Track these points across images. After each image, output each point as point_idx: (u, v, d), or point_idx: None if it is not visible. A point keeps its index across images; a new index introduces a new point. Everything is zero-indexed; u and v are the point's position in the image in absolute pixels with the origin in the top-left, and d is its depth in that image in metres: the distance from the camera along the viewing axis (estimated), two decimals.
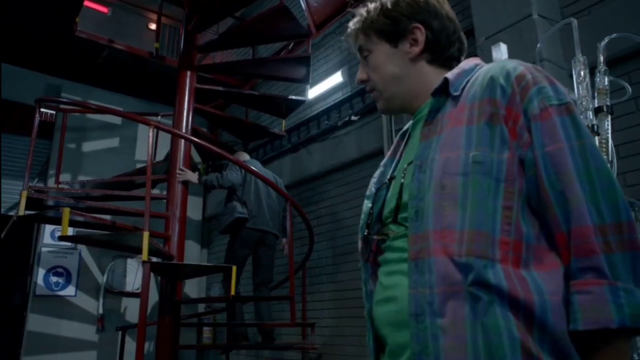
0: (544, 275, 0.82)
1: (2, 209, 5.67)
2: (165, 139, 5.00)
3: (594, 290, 0.77)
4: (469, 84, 0.96)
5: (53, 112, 5.86)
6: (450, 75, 0.98)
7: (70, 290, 5.52)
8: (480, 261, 0.82)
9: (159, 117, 5.69)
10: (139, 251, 3.15)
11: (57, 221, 3.35)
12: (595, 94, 1.83)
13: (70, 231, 4.34)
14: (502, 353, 0.78)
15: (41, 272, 5.40)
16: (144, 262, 3.10)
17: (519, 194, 0.86)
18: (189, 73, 4.67)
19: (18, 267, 6.00)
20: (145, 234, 3.13)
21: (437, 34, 1.03)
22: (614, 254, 0.77)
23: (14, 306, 6.01)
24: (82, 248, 5.65)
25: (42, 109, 5.64)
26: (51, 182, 5.52)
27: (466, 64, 1.02)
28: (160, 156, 5.53)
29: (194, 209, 6.71)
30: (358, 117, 4.65)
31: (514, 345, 0.78)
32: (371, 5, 1.08)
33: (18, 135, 5.81)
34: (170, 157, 4.42)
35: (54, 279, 5.45)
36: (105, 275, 5.74)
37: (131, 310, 5.80)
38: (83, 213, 3.48)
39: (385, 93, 1.08)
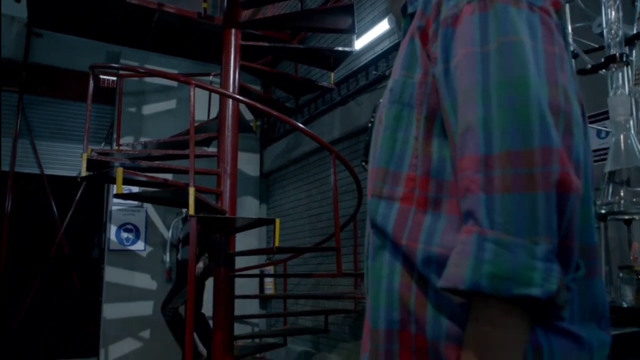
0: (453, 219, 0.66)
1: (73, 173, 6.10)
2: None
3: (464, 241, 0.59)
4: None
5: (114, 78, 6.13)
6: None
7: (139, 245, 5.92)
8: (375, 200, 0.74)
9: (211, 76, 5.81)
10: (184, 206, 3.30)
11: (113, 180, 3.56)
12: (636, 19, 1.65)
13: (136, 190, 4.65)
14: (377, 303, 0.71)
15: (113, 229, 5.82)
16: (191, 217, 3.25)
17: (430, 120, 0.71)
18: (233, 31, 4.69)
19: (94, 225, 6.49)
20: (191, 190, 3.26)
21: None
22: (500, 194, 0.57)
23: (94, 260, 6.54)
24: (147, 206, 6.00)
25: (102, 76, 5.96)
26: (115, 145, 5.85)
27: None
28: (215, 114, 5.67)
29: (251, 166, 6.88)
30: None
31: (391, 297, 0.69)
32: None
33: (83, 102, 6.13)
34: (220, 114, 4.53)
35: (124, 234, 5.86)
36: (170, 231, 6.07)
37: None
38: (136, 172, 3.67)
39: (393, 7, 0.98)
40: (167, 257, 6.02)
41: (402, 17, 0.88)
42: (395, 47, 4.68)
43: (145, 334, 5.81)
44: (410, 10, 0.83)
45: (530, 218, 0.56)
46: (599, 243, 0.75)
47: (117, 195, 3.47)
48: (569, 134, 0.60)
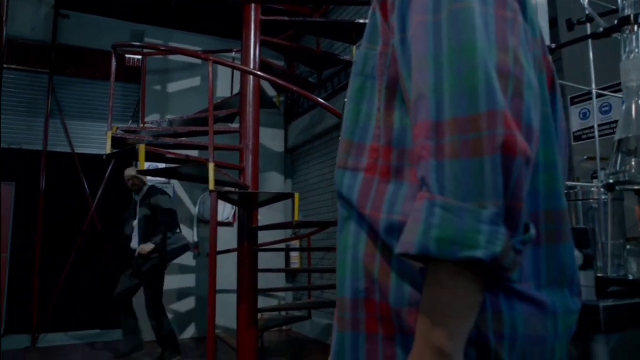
0: (414, 187, 0.66)
1: (102, 151, 6.26)
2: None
3: (417, 207, 0.59)
4: None
5: (139, 57, 6.20)
6: None
7: None
8: (340, 172, 0.76)
9: (234, 53, 5.81)
10: (206, 182, 3.36)
11: (137, 157, 3.64)
12: None
13: (162, 167, 4.75)
14: (343, 273, 0.72)
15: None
16: (211, 192, 3.31)
17: (391, 91, 0.71)
18: (253, 6, 4.67)
19: (124, 201, 6.67)
20: (211, 165, 3.31)
21: None
22: (449, 159, 0.57)
23: (125, 235, 6.74)
24: (175, 183, 6.12)
25: (128, 55, 6.03)
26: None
27: None
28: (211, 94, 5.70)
29: (276, 141, 6.91)
30: None
31: (357, 266, 0.71)
32: None
33: (109, 82, 6.24)
34: (241, 91, 4.55)
35: None
36: (197, 207, 6.21)
37: (223, 238, 6.25)
38: (159, 149, 3.74)
39: None
40: (195, 232, 6.16)
41: None
42: None
43: (175, 306, 5.99)
44: None
45: (477, 183, 0.56)
46: (567, 208, 0.73)
47: (140, 172, 3.56)
48: (519, 97, 0.59)
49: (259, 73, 4.05)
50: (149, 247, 4.47)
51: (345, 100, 0.81)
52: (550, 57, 0.77)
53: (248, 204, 4.09)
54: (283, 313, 5.76)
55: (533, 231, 0.62)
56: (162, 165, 4.85)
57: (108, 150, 3.79)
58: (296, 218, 3.59)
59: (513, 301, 0.64)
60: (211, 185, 3.28)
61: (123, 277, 4.67)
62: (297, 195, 3.61)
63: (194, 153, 4.99)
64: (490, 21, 0.61)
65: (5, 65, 5.89)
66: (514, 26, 0.63)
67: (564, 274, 0.70)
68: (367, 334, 0.69)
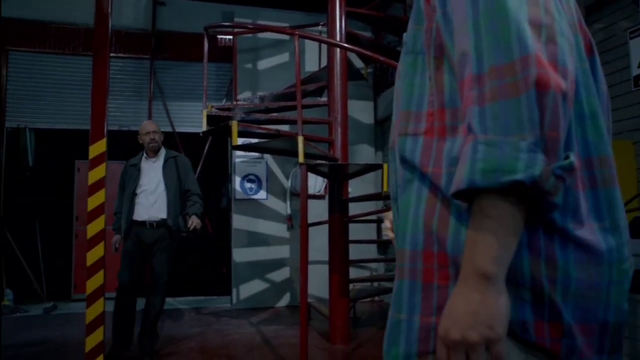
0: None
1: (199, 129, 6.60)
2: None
3: (465, 149, 0.68)
4: None
5: (230, 37, 6.42)
6: None
7: (262, 194, 6.32)
8: (401, 139, 0.84)
9: (320, 26, 5.82)
10: (296, 155, 3.44)
11: (230, 133, 3.80)
12: None
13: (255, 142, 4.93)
14: (405, 227, 0.81)
15: (237, 180, 6.27)
16: (300, 164, 3.38)
17: (438, 59, 0.80)
18: None
19: (221, 177, 7.04)
20: (300, 138, 3.38)
21: None
22: (489, 103, 0.66)
23: (223, 209, 7.14)
24: (267, 157, 6.33)
25: (219, 36, 6.26)
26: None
27: None
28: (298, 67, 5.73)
29: (365, 113, 6.87)
30: None
31: (417, 222, 0.79)
32: None
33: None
34: (328, 64, 4.56)
35: (247, 185, 6.28)
36: (290, 180, 6.39)
37: (314, 210, 6.39)
38: (250, 125, 3.88)
39: None
40: (288, 205, 6.36)
41: None
42: None
43: (271, 275, 6.27)
44: None
45: (515, 118, 0.64)
46: (612, 155, 0.77)
47: (234, 147, 3.72)
48: (552, 42, 0.67)
49: (344, 45, 4.04)
50: (197, 221, 3.91)
51: (396, 78, 0.91)
52: (585, 25, 0.84)
53: (337, 175, 4.14)
54: (375, 284, 5.82)
55: (573, 159, 0.67)
56: (254, 141, 5.04)
57: (204, 127, 3.99)
58: (385, 189, 3.58)
59: (568, 248, 0.70)
60: (300, 158, 3.36)
61: (126, 259, 3.90)
62: (385, 166, 3.59)
63: (285, 128, 5.12)
64: None
65: (112, 54, 6.39)
66: None
67: (614, 217, 0.75)
68: (424, 283, 0.77)
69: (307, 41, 6.59)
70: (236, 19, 6.41)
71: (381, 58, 4.06)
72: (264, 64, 6.56)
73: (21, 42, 6.14)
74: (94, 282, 2.77)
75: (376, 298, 6.40)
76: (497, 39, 0.67)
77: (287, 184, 6.40)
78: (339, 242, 4.30)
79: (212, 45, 6.55)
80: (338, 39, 4.47)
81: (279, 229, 6.34)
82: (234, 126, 3.58)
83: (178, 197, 3.96)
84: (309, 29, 5.75)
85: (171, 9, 6.53)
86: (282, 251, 6.34)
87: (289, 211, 6.33)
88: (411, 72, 0.84)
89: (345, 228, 4.33)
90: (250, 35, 6.18)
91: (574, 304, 0.70)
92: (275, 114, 4.65)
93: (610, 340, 0.73)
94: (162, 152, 4.09)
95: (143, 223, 3.87)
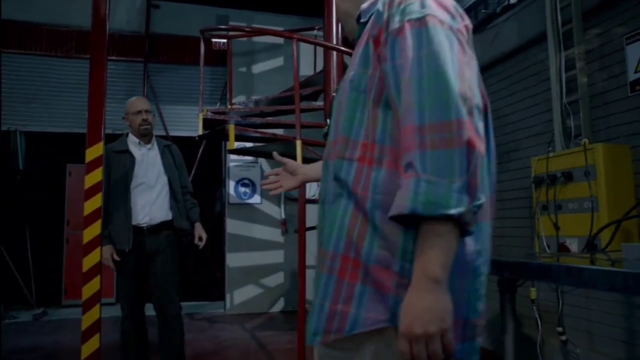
0: (391, 173, 0.95)
1: (193, 133, 6.57)
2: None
3: (404, 183, 0.86)
4: (373, 13, 1.06)
5: (224, 41, 6.39)
6: (364, 4, 1.13)
7: (256, 199, 6.28)
8: (339, 160, 1.01)
9: (315, 30, 5.82)
10: (303, 160, 3.41)
11: (227, 137, 3.77)
12: None
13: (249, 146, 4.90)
14: (331, 232, 1.00)
15: (232, 184, 6.23)
16: None
17: (376, 103, 0.99)
18: None
19: (215, 181, 6.99)
20: (298, 142, 3.36)
21: None
22: (430, 150, 0.84)
23: (217, 213, 7.08)
24: (262, 161, 6.30)
25: (214, 39, 6.23)
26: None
27: None
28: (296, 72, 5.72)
29: None
30: None
31: (341, 230, 0.98)
32: None
33: (198, 65, 6.47)
34: (324, 67, 4.55)
35: (242, 189, 6.24)
36: None
37: (309, 214, 6.36)
38: (247, 128, 3.85)
39: (346, 27, 1.27)
40: (282, 210, 6.33)
41: (357, 24, 1.15)
42: None
43: (265, 281, 6.23)
44: (363, 19, 1.11)
45: (449, 165, 0.83)
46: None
47: (230, 151, 3.69)
48: (471, 115, 0.88)
49: (341, 48, 4.02)
50: (204, 232, 3.36)
51: (335, 103, 1.11)
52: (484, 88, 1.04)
53: None
54: None
55: (484, 199, 0.88)
56: (249, 145, 5.01)
57: (200, 131, 3.95)
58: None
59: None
60: (299, 162, 3.33)
61: (130, 277, 3.11)
62: None
63: (279, 131, 5.09)
64: (455, 60, 0.90)
65: (110, 57, 6.33)
66: (470, 66, 0.93)
67: (488, 243, 1.03)
68: (338, 278, 0.97)
69: (302, 45, 6.59)
70: (231, 23, 6.39)
71: None
72: (258, 68, 6.54)
73: (13, 43, 6.07)
74: (90, 288, 2.71)
75: None
76: (438, 101, 0.86)
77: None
78: None
79: (207, 48, 6.52)
80: (334, 42, 4.46)
81: (273, 234, 6.31)
82: (231, 130, 3.55)
83: (180, 192, 3.27)
84: (304, 32, 5.73)
85: (165, 11, 6.49)
86: (277, 256, 6.30)
87: (283, 216, 6.30)
88: (354, 106, 1.02)
89: None
90: (245, 39, 6.15)
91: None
92: (271, 118, 4.63)
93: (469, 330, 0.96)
94: (153, 138, 3.29)
95: (141, 228, 3.05)
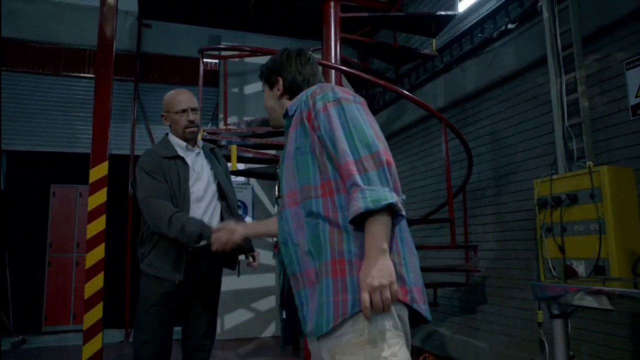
0: (347, 196, 1.34)
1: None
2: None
3: (353, 196, 1.28)
4: (298, 107, 1.53)
5: (216, 61, 6.35)
6: (289, 105, 1.60)
7: (248, 220, 6.16)
8: (308, 201, 1.41)
9: (310, 51, 5.80)
10: None
11: (227, 158, 3.69)
12: None
13: (241, 167, 4.81)
14: (318, 251, 1.36)
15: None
16: None
17: (322, 156, 1.41)
18: (332, 3, 4.64)
19: None
20: None
21: (290, 84, 1.67)
22: (367, 172, 1.29)
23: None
24: (253, 183, 6.21)
25: (206, 60, 6.18)
26: (221, 125, 6.09)
27: (299, 95, 1.59)
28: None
29: None
30: (515, 24, 4.20)
31: (326, 243, 1.35)
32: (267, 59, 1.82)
33: (189, 86, 6.39)
34: None
35: None
36: (276, 207, 6.26)
37: None
38: (248, 149, 3.78)
39: (269, 116, 1.77)
40: None
41: (284, 118, 1.61)
42: (502, 7, 4.39)
43: (257, 304, 6.08)
44: (290, 113, 1.56)
45: (380, 178, 1.29)
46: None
47: (233, 172, 3.60)
48: (385, 146, 1.38)
49: (350, 70, 4.01)
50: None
51: (282, 171, 1.54)
52: None
53: None
54: None
55: (404, 196, 1.42)
56: (241, 166, 4.93)
57: None
58: None
59: (404, 242, 1.39)
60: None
61: (155, 315, 2.43)
62: None
63: (272, 152, 5.02)
64: (364, 119, 1.40)
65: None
66: (374, 121, 1.44)
67: None
68: (333, 278, 1.31)
69: None
70: (223, 43, 6.36)
71: (382, 82, 4.06)
72: (250, 89, 6.50)
73: None
74: (93, 315, 2.56)
75: None
76: (362, 143, 1.33)
77: (274, 210, 6.28)
78: None
79: (197, 69, 6.47)
80: (333, 62, 4.45)
81: (264, 256, 6.18)
82: (234, 151, 3.48)
83: (236, 205, 2.73)
84: None
85: (157, 31, 6.43)
86: (268, 279, 6.17)
87: (275, 238, 6.19)
88: (305, 163, 1.43)
89: None
90: (237, 59, 6.12)
91: (412, 275, 1.35)
92: (267, 139, 4.57)
93: (426, 296, 1.40)
94: (199, 140, 2.73)
95: (205, 249, 2.30)
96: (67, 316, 6.36)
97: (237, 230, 1.98)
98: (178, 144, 2.60)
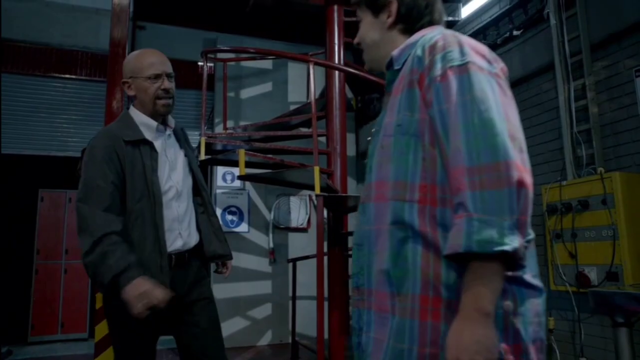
0: (452, 214, 0.96)
1: None
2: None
3: (457, 222, 0.91)
4: (410, 57, 1.11)
5: (211, 64, 6.24)
6: (395, 51, 1.17)
7: (243, 227, 6.06)
8: (398, 203, 1.03)
9: (310, 56, 5.76)
10: (306, 187, 3.28)
11: (234, 162, 3.60)
12: None
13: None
14: (402, 275, 1.02)
15: (218, 212, 5.99)
16: (317, 196, 3.23)
17: (431, 145, 1.02)
18: (336, 7, 4.62)
19: None
20: (316, 169, 3.24)
21: (408, 8, 1.21)
22: (480, 191, 0.89)
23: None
24: (250, 188, 6.12)
25: (200, 63, 6.07)
26: (218, 129, 5.99)
27: (415, 36, 1.18)
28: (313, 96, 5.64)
29: (348, 145, 6.81)
30: (521, 31, 4.22)
31: (415, 269, 1.00)
32: None
33: (184, 89, 6.28)
34: (326, 92, 4.48)
35: (229, 217, 6.01)
36: (272, 213, 6.18)
37: (297, 243, 6.21)
38: (256, 153, 3.70)
39: (368, 55, 1.30)
40: (271, 239, 6.13)
41: (387, 70, 1.20)
42: (505, 14, 4.40)
43: (252, 312, 5.97)
44: (396, 67, 1.16)
45: (499, 204, 0.88)
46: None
47: (241, 177, 3.52)
48: (523, 152, 0.94)
49: (355, 71, 3.97)
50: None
51: (374, 147, 1.15)
52: None
53: (341, 208, 4.01)
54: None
55: (533, 235, 0.95)
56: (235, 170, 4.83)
57: (202, 156, 3.77)
58: None
59: (522, 287, 0.98)
60: (317, 189, 3.21)
61: (134, 338, 1.92)
62: None
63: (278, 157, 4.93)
64: (498, 102, 0.95)
65: (88, 78, 6.06)
66: (512, 106, 0.99)
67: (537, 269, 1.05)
68: (420, 320, 0.98)
69: (290, 72, 6.55)
70: (224, 46, 6.26)
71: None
72: (246, 93, 6.42)
73: None
74: (105, 326, 2.43)
75: None
76: (485, 143, 0.91)
77: (270, 216, 6.19)
78: (339, 277, 4.13)
79: (194, 72, 6.36)
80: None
81: (260, 264, 6.08)
82: (242, 155, 3.40)
83: (211, 200, 2.26)
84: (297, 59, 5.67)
85: (151, 33, 6.31)
86: (264, 287, 6.07)
87: (271, 245, 6.10)
88: (405, 149, 1.04)
89: (345, 262, 4.17)
90: (233, 63, 6.04)
91: (530, 328, 0.98)
92: (272, 143, 4.50)
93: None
94: (169, 117, 2.13)
95: (170, 259, 1.93)
96: (54, 325, 6.15)
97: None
98: (144, 122, 1.98)
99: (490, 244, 0.86)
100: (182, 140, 2.15)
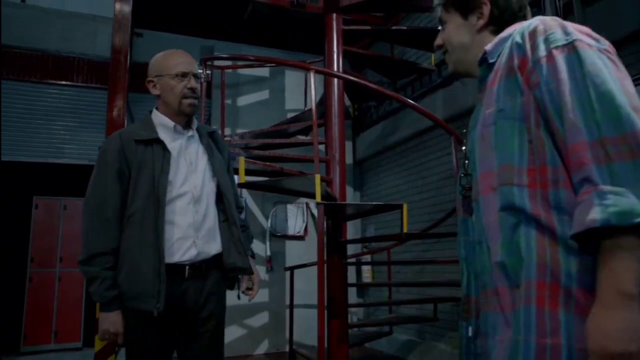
0: (570, 192, 0.92)
1: None
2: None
3: (584, 199, 0.85)
4: (504, 50, 1.08)
5: (208, 71, 6.23)
6: (488, 46, 1.13)
7: None
8: (507, 187, 0.99)
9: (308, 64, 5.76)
10: (306, 195, 3.27)
11: (234, 170, 3.57)
12: None
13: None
14: (517, 265, 0.96)
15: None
16: (318, 204, 3.21)
17: (537, 127, 0.98)
18: (334, 15, 4.62)
19: None
20: (317, 177, 3.22)
21: (502, 9, 1.17)
22: (611, 162, 0.84)
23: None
24: (246, 196, 6.08)
25: (199, 70, 6.05)
26: None
27: (507, 30, 1.13)
28: (310, 105, 5.64)
29: (346, 153, 6.80)
30: None
31: (530, 254, 0.94)
32: None
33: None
34: (325, 100, 4.48)
35: None
36: (269, 220, 6.15)
37: (294, 251, 6.18)
38: (256, 161, 3.68)
39: (453, 57, 1.24)
40: (267, 246, 6.10)
41: (479, 66, 1.15)
42: None
43: (249, 321, 5.92)
44: (490, 60, 1.12)
45: (632, 175, 0.82)
46: None
47: (240, 185, 3.49)
48: None
49: (369, 83, 3.98)
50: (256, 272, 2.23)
51: (473, 140, 1.12)
52: None
53: (341, 215, 3.99)
54: (355, 330, 5.60)
55: None
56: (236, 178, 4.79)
57: None
58: (405, 230, 3.45)
59: None
60: (318, 197, 3.19)
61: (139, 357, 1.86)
62: (405, 206, 3.48)
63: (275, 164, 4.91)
64: (613, 76, 0.91)
65: (85, 84, 6.03)
66: (629, 80, 0.93)
67: None
68: (537, 308, 0.91)
69: (288, 80, 6.55)
70: (216, 54, 6.26)
71: (391, 94, 4.03)
72: (243, 101, 6.41)
73: None
74: None
75: (367, 345, 6.16)
76: (608, 116, 0.86)
77: (267, 224, 6.16)
78: (339, 285, 4.10)
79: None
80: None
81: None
82: (242, 162, 3.38)
83: (235, 209, 2.06)
84: (296, 67, 5.67)
85: (148, 40, 6.28)
86: (261, 295, 6.01)
87: (268, 253, 6.07)
88: (510, 134, 1.01)
89: (344, 271, 4.15)
90: (230, 70, 6.02)
91: None
92: (278, 151, 4.49)
93: None
94: (194, 119, 2.07)
95: (180, 269, 1.84)
96: (48, 335, 6.06)
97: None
98: (164, 123, 1.96)
99: (631, 215, 0.79)
100: (206, 143, 2.04)
